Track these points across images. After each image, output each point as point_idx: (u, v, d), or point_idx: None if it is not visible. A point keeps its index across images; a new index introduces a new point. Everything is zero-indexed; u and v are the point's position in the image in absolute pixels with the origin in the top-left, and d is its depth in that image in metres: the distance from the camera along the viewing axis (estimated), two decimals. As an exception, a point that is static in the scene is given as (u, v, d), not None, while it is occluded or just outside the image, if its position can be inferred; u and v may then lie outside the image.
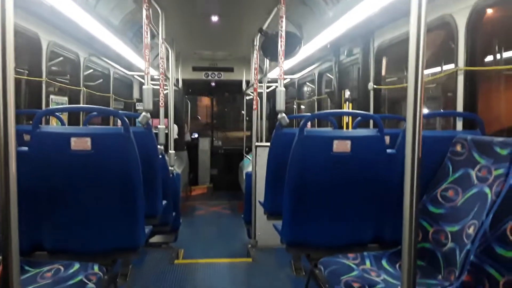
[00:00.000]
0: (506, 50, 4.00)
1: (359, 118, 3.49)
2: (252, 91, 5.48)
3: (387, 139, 3.01)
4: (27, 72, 4.28)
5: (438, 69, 4.06)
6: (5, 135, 1.35)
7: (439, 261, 2.24)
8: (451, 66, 3.37)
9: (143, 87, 3.34)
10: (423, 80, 1.35)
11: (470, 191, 2.23)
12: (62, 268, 2.25)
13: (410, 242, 1.36)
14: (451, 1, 3.19)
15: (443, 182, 2.44)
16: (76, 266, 2.26)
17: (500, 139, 2.17)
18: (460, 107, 3.11)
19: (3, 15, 1.33)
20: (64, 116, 4.93)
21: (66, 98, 5.24)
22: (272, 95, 9.14)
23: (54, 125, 4.13)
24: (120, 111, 2.83)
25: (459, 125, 3.17)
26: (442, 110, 4.07)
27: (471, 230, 2.05)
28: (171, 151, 5.11)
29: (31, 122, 2.91)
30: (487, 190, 2.10)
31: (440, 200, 2.40)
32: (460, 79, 3.11)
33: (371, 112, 4.66)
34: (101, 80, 6.83)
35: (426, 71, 4.34)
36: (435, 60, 4.28)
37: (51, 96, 4.78)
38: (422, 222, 2.41)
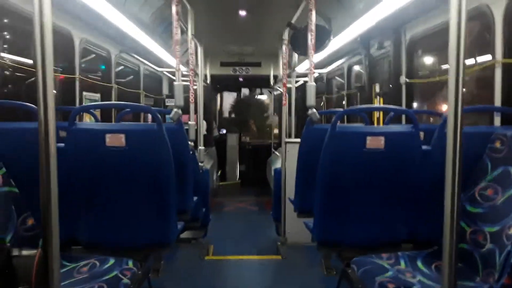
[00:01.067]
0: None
1: (392, 113, 3.41)
2: (281, 86, 5.44)
3: (421, 135, 2.94)
4: (60, 69, 4.38)
5: (471, 61, 3.92)
6: (45, 132, 1.38)
7: (477, 263, 2.17)
8: (485, 58, 3.25)
9: (174, 83, 3.35)
10: (464, 73, 1.29)
11: (511, 190, 2.14)
12: (97, 263, 2.29)
13: (451, 243, 1.32)
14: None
15: (482, 180, 2.35)
16: (111, 261, 2.30)
17: None
18: (498, 102, 2.99)
19: (42, 15, 1.35)
20: (97, 113, 5.03)
21: (98, 95, 5.34)
22: (299, 90, 9.07)
23: (88, 122, 4.22)
24: (154, 108, 2.86)
25: (497, 121, 3.05)
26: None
27: (511, 231, 1.97)
28: (201, 147, 5.14)
29: (62, 118, 2.97)
30: (529, 189, 2.01)
31: (478, 199, 2.31)
32: (498, 72, 2.99)
33: (403, 107, 4.55)
34: (131, 76, 6.93)
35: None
36: (469, 53, 4.14)
37: (84, 93, 4.88)
38: (459, 222, 2.33)
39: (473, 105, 3.22)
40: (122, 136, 2.35)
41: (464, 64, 1.30)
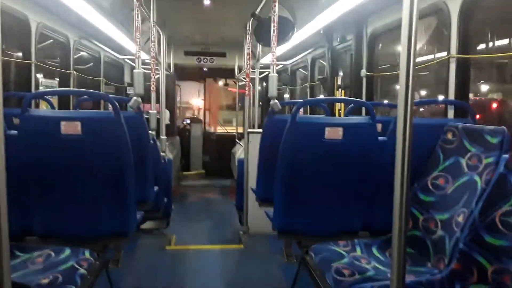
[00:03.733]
0: (498, 39, 4.00)
1: (351, 105, 3.48)
2: (245, 76, 5.44)
3: (379, 126, 3.02)
4: (16, 54, 4.20)
5: (433, 56, 4.05)
6: None
7: (429, 249, 2.26)
8: (443, 53, 3.37)
9: (134, 71, 3.30)
10: (414, 67, 1.34)
11: (461, 179, 2.24)
12: (53, 254, 2.24)
13: (400, 230, 1.37)
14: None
15: (434, 170, 2.45)
16: (67, 251, 2.25)
17: (491, 127, 2.18)
18: (451, 95, 3.12)
19: None
20: (54, 100, 4.87)
21: (56, 82, 5.17)
22: (264, 81, 9.09)
23: (44, 109, 4.08)
24: (110, 95, 2.80)
25: (451, 113, 3.17)
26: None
27: (460, 218, 2.06)
28: (163, 137, 5.08)
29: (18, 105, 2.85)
30: (477, 178, 2.11)
31: (430, 188, 2.41)
32: (452, 67, 3.10)
33: (364, 99, 4.65)
34: (91, 63, 6.74)
35: (420, 59, 4.34)
36: (429, 48, 4.27)
37: (41, 79, 4.71)
38: (412, 210, 2.42)
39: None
40: (78, 123, 2.29)
41: (414, 58, 1.34)
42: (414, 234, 2.38)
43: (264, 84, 9.84)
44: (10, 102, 3.83)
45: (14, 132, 2.29)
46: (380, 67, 4.92)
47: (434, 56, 3.95)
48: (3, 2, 1.25)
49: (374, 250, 2.42)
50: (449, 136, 2.45)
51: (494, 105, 5.35)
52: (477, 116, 3.09)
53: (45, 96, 3.48)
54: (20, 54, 4.20)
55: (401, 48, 1.35)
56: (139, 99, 3.14)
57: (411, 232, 2.39)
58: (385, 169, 2.45)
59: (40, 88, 4.54)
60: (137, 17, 3.30)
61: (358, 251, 2.39)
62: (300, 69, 8.32)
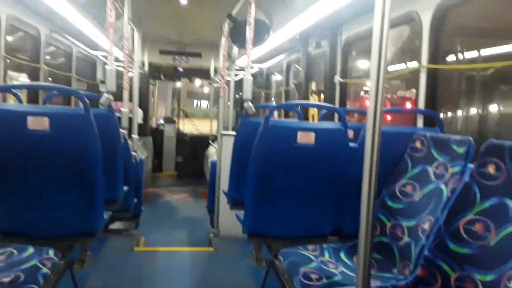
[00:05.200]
0: (468, 50, 4.11)
1: (325, 110, 3.52)
2: (220, 78, 5.42)
3: (351, 133, 3.05)
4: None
5: (402, 66, 4.13)
6: None
7: (395, 255, 2.30)
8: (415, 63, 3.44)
9: (106, 67, 3.23)
10: (384, 75, 1.35)
11: (427, 187, 2.29)
12: (15, 252, 2.18)
13: (367, 235, 1.38)
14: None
15: (402, 178, 2.49)
16: (31, 250, 2.19)
17: (457, 137, 2.24)
18: (421, 105, 3.18)
19: None
20: (23, 95, 4.73)
21: (24, 75, 5.02)
22: (241, 84, 9.08)
23: (11, 103, 3.95)
24: (82, 92, 2.74)
25: (420, 122, 3.24)
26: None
27: (426, 226, 2.10)
28: (135, 136, 5.00)
29: None
30: (443, 186, 2.16)
31: (398, 195, 2.45)
32: (423, 77, 3.17)
33: (337, 105, 4.70)
34: (62, 58, 6.58)
35: (393, 67, 4.42)
36: (402, 57, 4.36)
37: (10, 73, 4.57)
38: (380, 216, 2.46)
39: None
40: (46, 119, 2.23)
41: (385, 66, 1.36)
42: (382, 240, 2.41)
43: (239, 86, 9.83)
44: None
45: None
46: (353, 74, 5.00)
47: (407, 65, 4.03)
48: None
49: (342, 255, 2.44)
50: (418, 144, 2.50)
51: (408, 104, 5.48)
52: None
53: (13, 90, 3.36)
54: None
55: (371, 55, 1.36)
56: (111, 97, 3.08)
57: (378, 238, 2.42)
58: (355, 175, 2.48)
59: (8, 81, 4.40)
60: (111, 12, 3.24)
61: (327, 256, 2.41)
62: (276, 73, 8.35)
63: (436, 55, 3.13)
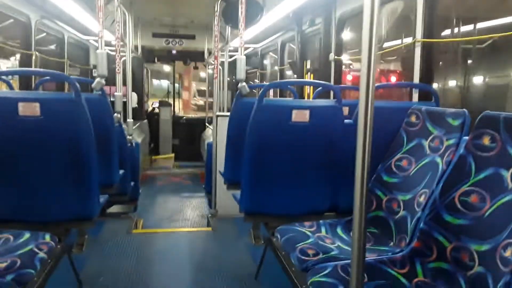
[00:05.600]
0: (463, 24, 4.08)
1: (320, 88, 3.49)
2: (214, 59, 5.37)
3: (346, 110, 3.04)
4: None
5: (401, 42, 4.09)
6: None
7: (392, 229, 2.32)
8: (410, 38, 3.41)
9: (97, 51, 3.20)
10: (375, 50, 1.33)
11: (423, 161, 2.29)
12: (11, 238, 2.18)
13: (361, 210, 1.38)
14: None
15: (398, 152, 2.49)
16: (27, 235, 2.19)
17: (452, 110, 2.23)
18: (416, 79, 3.17)
19: None
20: (14, 82, 4.68)
21: (16, 63, 4.97)
22: (235, 66, 9.00)
23: (2, 90, 3.91)
24: (73, 77, 2.71)
25: (415, 97, 3.23)
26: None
27: (422, 199, 2.11)
28: (129, 120, 4.98)
29: None
30: (438, 159, 2.16)
31: (394, 170, 2.45)
32: (417, 51, 3.15)
33: (332, 83, 4.67)
34: (54, 44, 6.49)
35: (389, 43, 4.38)
36: (397, 32, 4.32)
37: (1, 60, 4.52)
38: (376, 191, 2.47)
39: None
40: (37, 105, 2.22)
41: (376, 42, 1.34)
42: (378, 215, 2.42)
43: (234, 67, 9.76)
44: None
45: None
46: (348, 51, 4.95)
47: (402, 41, 4.00)
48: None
49: (339, 230, 2.46)
50: (413, 118, 2.49)
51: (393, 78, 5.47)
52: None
53: (3, 77, 3.32)
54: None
55: (362, 31, 1.34)
56: (103, 81, 3.05)
57: (374, 213, 2.44)
58: (351, 151, 2.48)
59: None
60: None
61: (323, 232, 2.42)
62: (270, 53, 8.28)
63: (431, 29, 3.10)
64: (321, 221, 2.52)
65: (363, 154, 1.36)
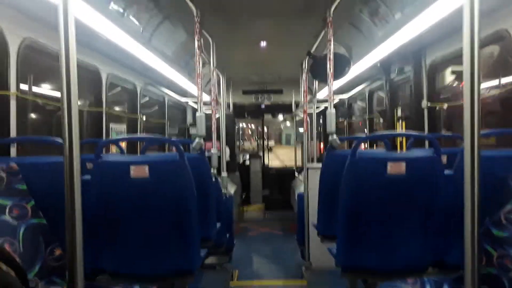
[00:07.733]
0: None
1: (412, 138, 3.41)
2: (302, 112, 5.50)
3: (444, 158, 2.92)
4: (88, 102, 4.57)
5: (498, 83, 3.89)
6: (70, 166, 1.44)
7: (506, 287, 2.13)
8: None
9: (197, 114, 3.43)
10: (479, 97, 1.31)
11: (537, 213, 2.11)
12: None
13: (473, 267, 1.32)
14: (507, 15, 3.09)
15: (508, 204, 2.32)
16: None
17: None
18: None
19: (67, 52, 1.44)
20: (123, 144, 5.18)
21: (124, 126, 5.51)
22: (322, 115, 9.08)
23: (114, 153, 4.33)
24: (174, 139, 2.93)
25: None
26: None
27: (539, 255, 1.93)
28: (224, 174, 5.20)
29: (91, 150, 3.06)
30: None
31: (504, 223, 2.28)
32: None
33: (426, 131, 4.53)
34: (156, 107, 7.13)
35: (483, 85, 4.19)
36: (493, 74, 4.12)
37: (111, 125, 5.05)
38: (485, 246, 2.30)
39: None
40: (146, 167, 2.40)
41: (479, 87, 1.32)
42: (489, 272, 2.24)
43: (321, 118, 9.85)
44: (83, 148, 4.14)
45: (87, 176, 2.43)
46: (441, 97, 4.80)
47: (500, 83, 3.80)
48: (77, 56, 1.40)
49: (446, 289, 2.30)
50: (522, 167, 2.33)
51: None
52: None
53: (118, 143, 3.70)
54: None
55: (464, 77, 1.33)
56: (202, 141, 3.26)
57: (485, 270, 2.26)
58: (453, 203, 2.36)
59: (111, 133, 4.86)
60: (199, 64, 3.47)
61: (428, 290, 2.29)
62: (358, 102, 8.26)
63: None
64: (425, 278, 2.39)
65: (472, 206, 1.31)
